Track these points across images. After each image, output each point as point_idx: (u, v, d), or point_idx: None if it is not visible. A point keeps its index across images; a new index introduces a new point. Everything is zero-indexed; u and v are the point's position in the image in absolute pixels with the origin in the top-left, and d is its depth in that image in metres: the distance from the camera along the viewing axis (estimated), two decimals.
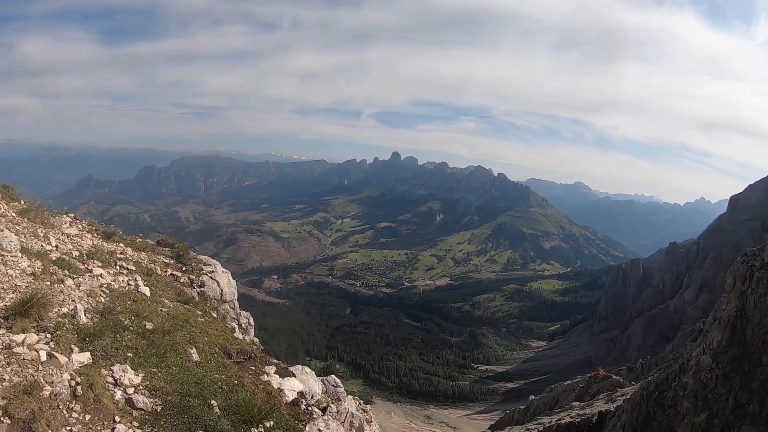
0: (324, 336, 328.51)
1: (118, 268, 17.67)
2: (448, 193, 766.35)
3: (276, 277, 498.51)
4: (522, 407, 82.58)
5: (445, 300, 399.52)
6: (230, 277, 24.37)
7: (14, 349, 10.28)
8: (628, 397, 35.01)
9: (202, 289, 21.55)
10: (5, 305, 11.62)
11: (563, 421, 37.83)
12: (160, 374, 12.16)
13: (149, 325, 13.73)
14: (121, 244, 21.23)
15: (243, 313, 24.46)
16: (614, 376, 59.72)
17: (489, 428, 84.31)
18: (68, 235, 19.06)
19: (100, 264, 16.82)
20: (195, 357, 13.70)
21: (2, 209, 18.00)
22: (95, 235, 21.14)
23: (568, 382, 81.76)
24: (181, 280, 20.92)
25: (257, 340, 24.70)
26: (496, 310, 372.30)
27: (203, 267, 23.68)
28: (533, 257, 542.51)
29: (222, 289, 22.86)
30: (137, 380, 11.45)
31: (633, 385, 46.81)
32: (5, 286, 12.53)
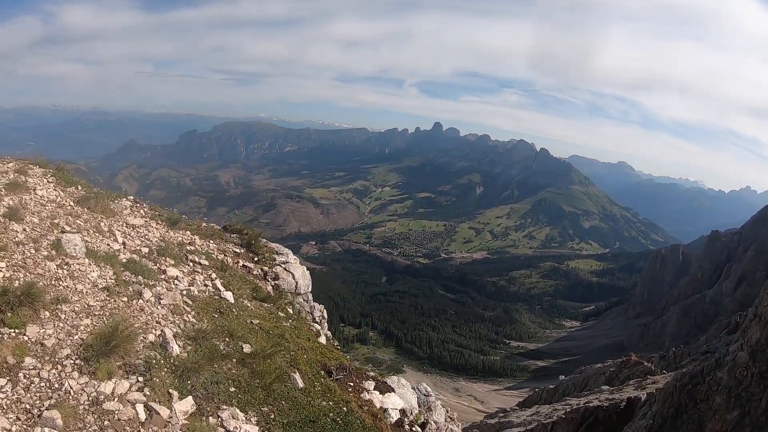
0: (359, 303, 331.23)
1: (191, 264, 16.65)
2: (489, 166, 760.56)
3: (314, 243, 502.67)
4: (551, 387, 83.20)
5: (481, 273, 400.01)
6: (305, 269, 23.20)
7: (105, 405, 8.61)
8: (659, 385, 35.30)
9: (276, 282, 20.60)
10: (82, 340, 9.80)
11: (591, 404, 38.21)
12: (272, 415, 11.25)
13: (247, 348, 12.82)
14: (188, 233, 19.85)
15: (316, 306, 23.66)
16: (646, 363, 59.56)
17: (517, 405, 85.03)
18: (133, 227, 17.51)
19: (172, 262, 15.89)
20: (300, 383, 13.04)
21: (59, 197, 16.51)
22: (159, 222, 19.48)
23: (599, 365, 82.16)
24: (254, 273, 19.84)
25: (330, 334, 23.67)
26: (531, 287, 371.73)
27: (275, 256, 22.38)
28: (572, 236, 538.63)
29: (297, 282, 21.81)
30: (254, 429, 10.18)
31: (664, 373, 46.88)
32: (77, 309, 10.75)
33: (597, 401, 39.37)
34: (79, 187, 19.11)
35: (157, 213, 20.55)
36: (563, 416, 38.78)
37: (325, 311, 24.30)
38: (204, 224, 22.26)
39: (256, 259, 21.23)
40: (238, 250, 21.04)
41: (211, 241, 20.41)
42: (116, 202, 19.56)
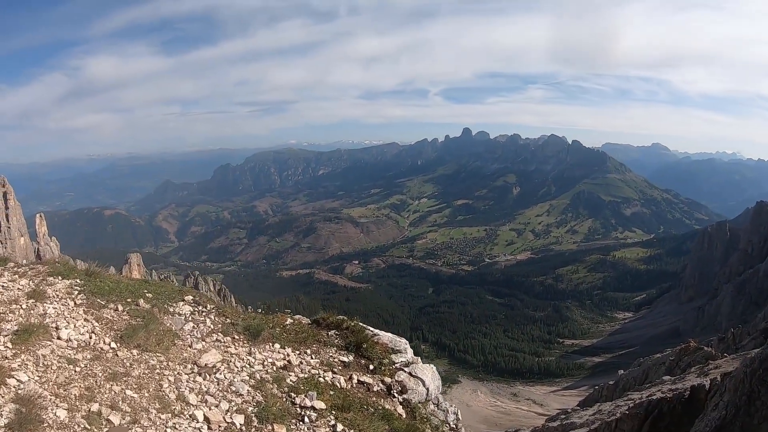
0: (408, 317, 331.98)
1: (306, 421, 12.73)
2: (523, 164, 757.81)
3: (357, 262, 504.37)
4: (611, 382, 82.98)
5: (527, 274, 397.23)
6: (433, 368, 18.22)
7: None
8: (722, 370, 35.08)
9: (404, 396, 16.28)
10: None
11: (654, 397, 37.78)
12: None
13: None
14: (276, 346, 15.74)
15: (449, 409, 18.49)
16: (705, 348, 58.58)
17: (578, 405, 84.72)
18: (208, 371, 13.56)
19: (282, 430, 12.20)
20: None
21: (92, 335, 13.04)
22: (237, 338, 15.54)
23: (658, 355, 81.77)
24: (375, 390, 15.85)
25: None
26: (579, 282, 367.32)
27: (392, 357, 17.65)
28: (614, 225, 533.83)
29: (428, 388, 17.20)
30: None
31: (725, 356, 46.38)
32: None
33: (660, 393, 38.38)
34: (120, 307, 14.81)
35: (228, 320, 16.60)
36: (626, 412, 38.31)
37: (459, 412, 19.15)
38: (289, 319, 18.29)
39: (371, 367, 16.79)
40: (345, 359, 16.50)
41: (309, 352, 16.20)
42: (173, 309, 16.29)
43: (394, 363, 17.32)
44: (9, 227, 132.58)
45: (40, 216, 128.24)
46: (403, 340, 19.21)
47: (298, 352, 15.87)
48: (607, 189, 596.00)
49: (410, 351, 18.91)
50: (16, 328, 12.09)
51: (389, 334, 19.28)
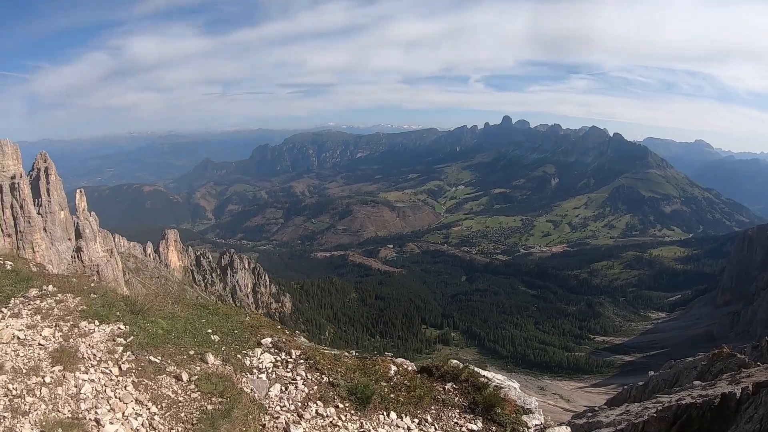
0: (439, 304, 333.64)
1: None
2: (563, 155, 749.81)
3: (391, 246, 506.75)
4: (640, 383, 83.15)
5: (562, 267, 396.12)
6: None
7: None
8: (754, 379, 34.93)
9: None
10: None
11: (683, 402, 37.71)
12: None
13: None
14: (392, 414, 12.63)
15: None
16: (739, 355, 58.23)
17: (605, 403, 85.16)
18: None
19: None
20: None
21: (173, 398, 10.74)
22: (341, 407, 12.33)
23: (690, 359, 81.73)
24: None
25: None
26: (614, 279, 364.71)
27: (523, 418, 14.01)
28: (653, 222, 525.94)
29: None
30: None
31: (758, 365, 46.33)
32: None
33: (689, 398, 37.88)
34: (184, 375, 11.45)
35: (324, 377, 13.42)
36: (654, 415, 38.17)
37: None
38: (392, 367, 15.26)
39: None
40: (473, 426, 13.02)
41: (429, 419, 12.81)
42: (251, 362, 13.40)
43: (528, 428, 13.64)
44: (50, 201, 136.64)
45: (80, 191, 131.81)
46: (531, 400, 15.36)
47: (417, 420, 12.79)
48: (647, 185, 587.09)
49: (538, 409, 15.00)
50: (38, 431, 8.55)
51: (514, 386, 16.12)
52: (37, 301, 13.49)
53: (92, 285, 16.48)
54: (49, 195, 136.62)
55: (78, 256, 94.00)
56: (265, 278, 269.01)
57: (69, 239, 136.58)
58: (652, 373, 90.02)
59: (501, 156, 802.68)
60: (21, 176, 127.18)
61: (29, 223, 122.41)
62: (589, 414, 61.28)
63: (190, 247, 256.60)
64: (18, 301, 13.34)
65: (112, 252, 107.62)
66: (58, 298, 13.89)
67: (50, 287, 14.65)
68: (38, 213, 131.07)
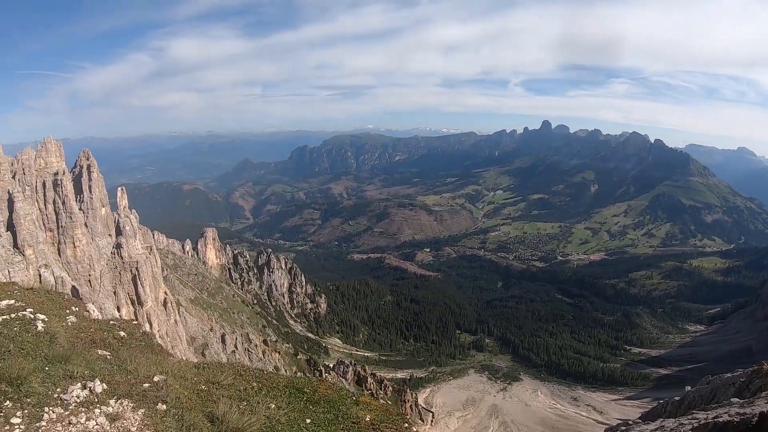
0: (474, 309, 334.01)
1: None
2: (602, 162, 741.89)
3: (428, 250, 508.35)
4: (676, 398, 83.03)
5: (599, 276, 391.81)
6: None
7: None
8: None
9: None
10: None
11: (720, 419, 37.07)
12: None
13: None
14: None
15: None
16: None
17: (639, 417, 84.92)
18: None
19: None
20: None
21: None
22: None
23: (728, 374, 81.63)
24: None
25: None
26: (652, 289, 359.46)
27: None
28: (693, 231, 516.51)
29: None
30: None
31: None
32: None
33: (726, 416, 37.75)
34: None
35: None
36: None
37: None
38: None
39: None
40: None
41: None
42: None
43: None
44: (91, 198, 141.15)
45: (122, 189, 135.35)
46: None
47: None
48: (689, 193, 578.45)
49: None
50: None
51: None
52: (81, 418, 11.80)
53: (156, 383, 13.86)
54: (90, 192, 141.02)
55: (118, 253, 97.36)
56: (302, 278, 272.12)
57: (109, 235, 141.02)
58: (689, 388, 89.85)
59: (540, 161, 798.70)
60: (64, 173, 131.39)
61: (71, 218, 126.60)
62: (623, 428, 61.31)
63: (227, 245, 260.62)
64: (53, 415, 11.84)
65: (151, 249, 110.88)
66: (111, 410, 12.21)
67: (97, 384, 13.06)
68: (80, 209, 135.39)
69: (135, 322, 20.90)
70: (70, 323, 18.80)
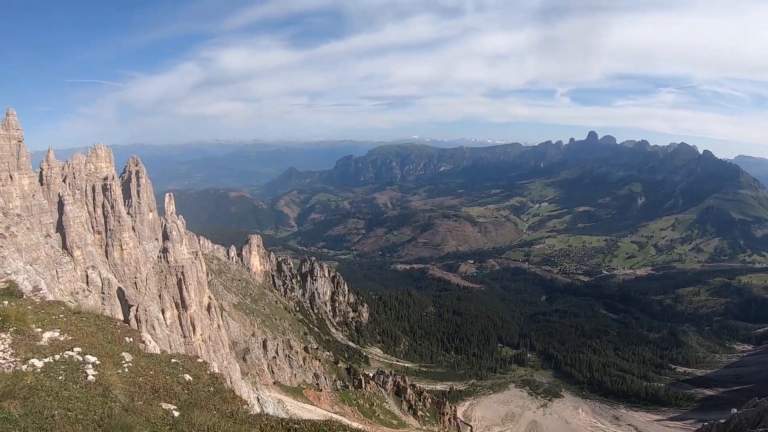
0: (517, 323, 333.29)
1: None
2: (650, 173, 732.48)
3: (472, 261, 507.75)
4: (722, 421, 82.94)
5: (645, 291, 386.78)
6: None
7: None
8: None
9: None
10: None
11: None
12: None
13: None
14: None
15: None
16: None
17: None
18: None
19: None
20: None
21: None
22: None
23: None
24: None
25: None
26: (699, 306, 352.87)
27: None
28: (743, 247, 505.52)
29: None
30: None
31: None
32: None
33: None
34: None
35: None
36: None
37: None
38: None
39: None
40: None
41: None
42: None
43: None
44: (139, 203, 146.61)
45: (169, 195, 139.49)
46: None
47: None
48: (739, 206, 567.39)
49: None
50: None
51: None
52: None
53: None
54: (139, 197, 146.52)
55: (164, 257, 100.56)
56: (344, 287, 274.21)
57: (156, 239, 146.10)
58: (735, 410, 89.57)
59: (586, 173, 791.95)
60: (113, 178, 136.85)
61: (119, 222, 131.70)
62: None
63: (272, 252, 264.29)
64: None
65: (197, 254, 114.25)
66: None
67: None
68: (128, 213, 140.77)
69: (200, 360, 18.90)
70: (126, 368, 16.19)
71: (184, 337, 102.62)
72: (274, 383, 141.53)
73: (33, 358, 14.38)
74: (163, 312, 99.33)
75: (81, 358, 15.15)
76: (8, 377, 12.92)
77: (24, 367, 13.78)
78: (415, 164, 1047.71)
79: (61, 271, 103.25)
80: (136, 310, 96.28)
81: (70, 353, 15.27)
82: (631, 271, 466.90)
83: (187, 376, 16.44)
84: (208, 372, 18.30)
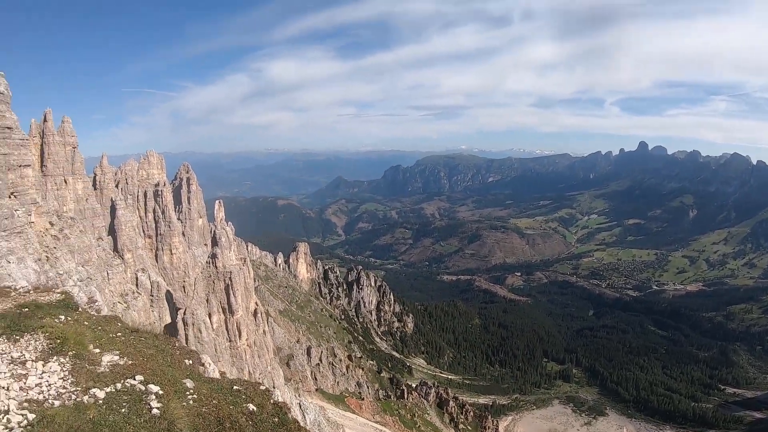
0: (563, 338, 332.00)
1: None
2: (702, 185, 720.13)
3: (519, 274, 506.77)
4: None
5: (696, 308, 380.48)
6: None
7: None
8: None
9: None
10: None
11: None
12: None
13: None
14: None
15: None
16: None
17: None
18: None
19: None
20: None
21: None
22: None
23: None
24: None
25: None
26: (752, 324, 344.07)
27: None
28: None
29: None
30: None
31: None
32: None
33: None
34: None
35: None
36: None
37: None
38: None
39: None
40: None
41: None
42: None
43: None
44: (190, 209, 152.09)
45: (219, 202, 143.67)
46: None
47: None
48: None
49: None
50: None
51: None
52: None
53: None
54: (189, 203, 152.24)
55: (212, 262, 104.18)
56: (390, 297, 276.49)
57: (205, 245, 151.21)
58: None
59: (636, 184, 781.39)
60: (164, 184, 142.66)
61: (169, 227, 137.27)
62: None
63: (319, 260, 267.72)
64: None
65: (245, 261, 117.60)
66: None
67: None
68: (178, 219, 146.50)
69: (262, 388, 18.24)
70: (190, 399, 15.63)
71: (230, 341, 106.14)
72: (317, 390, 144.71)
73: (94, 387, 14.19)
74: (210, 316, 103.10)
75: (143, 388, 15.02)
76: (71, 411, 12.79)
77: (86, 398, 13.62)
78: (463, 175, 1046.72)
79: (112, 273, 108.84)
80: (184, 313, 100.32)
81: (132, 382, 15.15)
82: (682, 286, 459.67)
83: (251, 406, 16.08)
84: (271, 401, 17.81)
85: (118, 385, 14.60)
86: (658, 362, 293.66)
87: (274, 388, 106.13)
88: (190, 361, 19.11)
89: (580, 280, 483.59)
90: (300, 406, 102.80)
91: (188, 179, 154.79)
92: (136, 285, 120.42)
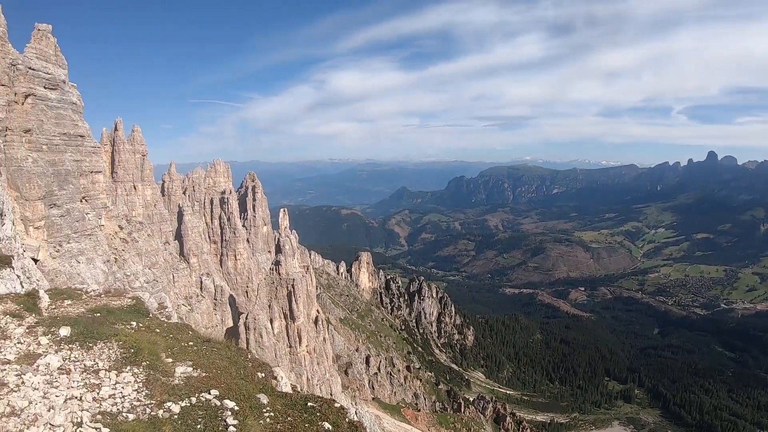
0: (626, 356, 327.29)
1: None
2: None
3: (583, 289, 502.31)
4: None
5: (766, 329, 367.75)
6: None
7: None
8: None
9: None
10: None
11: None
12: None
13: None
14: None
15: None
16: None
17: None
18: None
19: None
20: None
21: None
22: None
23: None
24: None
25: None
26: None
27: None
28: None
29: None
30: None
31: None
32: None
33: None
34: None
35: None
36: None
37: None
38: None
39: None
40: None
41: None
42: None
43: None
44: (254, 216, 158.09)
45: (284, 210, 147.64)
46: None
47: None
48: None
49: None
50: None
51: None
52: None
53: None
54: (254, 211, 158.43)
55: (276, 269, 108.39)
56: (451, 309, 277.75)
57: (269, 252, 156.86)
58: None
59: (705, 197, 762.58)
60: (230, 192, 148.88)
61: (234, 233, 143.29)
62: None
63: (381, 270, 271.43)
64: None
65: (308, 268, 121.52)
66: None
67: None
68: (243, 226, 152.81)
69: (337, 405, 17.01)
70: (267, 417, 14.82)
71: (290, 347, 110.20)
72: (374, 399, 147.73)
73: (169, 400, 13.97)
74: (271, 321, 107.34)
75: (219, 403, 14.53)
76: (145, 426, 12.64)
77: (160, 412, 13.41)
78: (527, 186, 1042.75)
79: (177, 276, 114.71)
80: (246, 318, 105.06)
81: (207, 396, 14.71)
82: (752, 305, 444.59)
83: (326, 425, 15.21)
84: (347, 420, 16.72)
85: (193, 399, 14.41)
86: (723, 385, 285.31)
87: (331, 395, 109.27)
88: (263, 374, 18.71)
89: (646, 296, 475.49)
90: (356, 414, 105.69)
91: (254, 187, 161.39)
92: (201, 288, 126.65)
